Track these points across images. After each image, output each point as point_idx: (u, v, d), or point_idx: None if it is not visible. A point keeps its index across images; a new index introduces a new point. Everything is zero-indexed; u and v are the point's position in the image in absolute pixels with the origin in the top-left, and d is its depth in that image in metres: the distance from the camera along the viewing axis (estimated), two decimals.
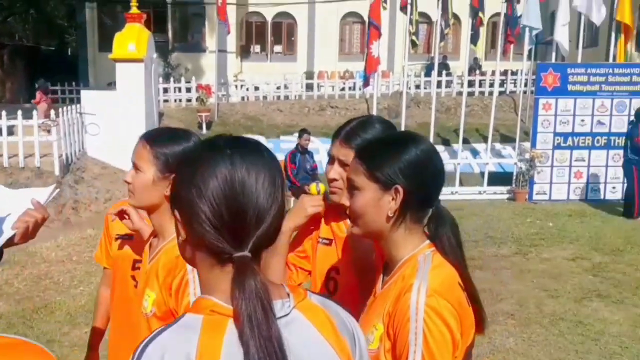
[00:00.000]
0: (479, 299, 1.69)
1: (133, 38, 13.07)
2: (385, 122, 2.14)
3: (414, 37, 13.09)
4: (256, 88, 19.40)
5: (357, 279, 2.05)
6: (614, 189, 12.06)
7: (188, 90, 17.85)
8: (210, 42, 22.43)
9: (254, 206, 1.20)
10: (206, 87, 17.13)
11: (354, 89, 18.67)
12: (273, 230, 1.25)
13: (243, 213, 1.20)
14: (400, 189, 1.61)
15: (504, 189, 12.60)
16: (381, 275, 1.75)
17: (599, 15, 12.70)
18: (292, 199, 10.63)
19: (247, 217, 1.20)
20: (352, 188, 1.69)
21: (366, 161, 1.66)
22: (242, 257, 1.20)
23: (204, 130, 15.15)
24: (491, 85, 15.75)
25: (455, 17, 22.67)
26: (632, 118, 11.34)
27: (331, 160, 2.12)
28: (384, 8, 12.63)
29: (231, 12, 22.32)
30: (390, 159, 1.63)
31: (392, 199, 1.62)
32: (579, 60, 12.96)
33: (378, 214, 1.64)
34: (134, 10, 13.41)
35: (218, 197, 1.19)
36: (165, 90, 17.95)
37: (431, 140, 12.44)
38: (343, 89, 19.06)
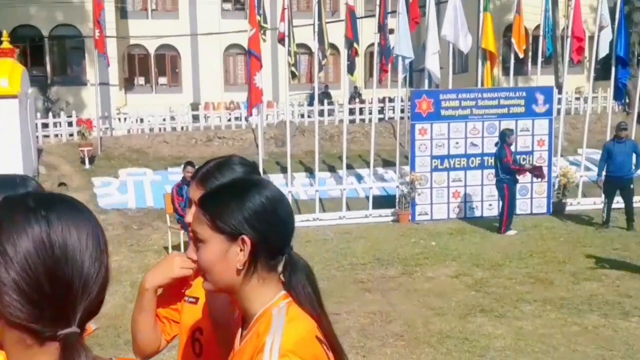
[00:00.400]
0: (341, 348, 1.53)
1: (5, 73, 12.29)
2: (245, 164, 1.97)
3: (293, 68, 13.10)
4: (141, 120, 18.80)
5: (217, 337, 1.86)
6: (490, 206, 12.46)
7: (69, 124, 17.01)
8: (91, 75, 21.58)
9: (80, 274, 1.00)
10: (87, 121, 16.37)
11: (240, 119, 18.46)
12: (100, 299, 1.05)
13: (68, 283, 0.99)
14: (247, 240, 1.45)
15: (388, 211, 12.74)
16: (239, 330, 1.58)
17: (465, 44, 13.16)
18: (182, 232, 10.26)
19: (72, 287, 0.99)
20: (197, 240, 1.52)
21: (209, 211, 1.49)
22: (71, 334, 0.99)
23: (87, 165, 14.46)
24: (371, 112, 15.98)
25: (335, 47, 23.13)
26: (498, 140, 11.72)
27: (189, 202, 1.93)
28: (264, 40, 12.57)
29: (112, 45, 21.66)
30: (233, 208, 1.47)
31: (240, 250, 1.46)
32: (451, 86, 13.36)
33: (227, 267, 1.48)
34: (6, 45, 12.67)
35: (34, 265, 0.98)
36: (45, 126, 17.03)
37: (317, 167, 12.54)
38: (230, 119, 18.81)
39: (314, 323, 1.48)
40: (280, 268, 1.52)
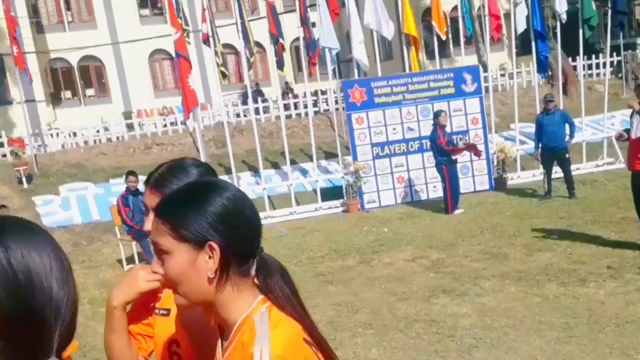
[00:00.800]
0: (329, 347, 1.44)
1: None
2: (201, 165, 1.85)
3: (222, 69, 12.85)
4: (74, 134, 18.14)
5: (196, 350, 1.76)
6: (435, 188, 12.51)
7: (0, 145, 16.30)
8: (16, 93, 20.69)
9: (50, 300, 0.89)
10: (18, 140, 15.70)
11: (176, 124, 18.05)
12: (74, 324, 0.95)
13: (39, 312, 0.88)
14: (215, 245, 1.35)
15: (337, 202, 12.71)
16: (219, 341, 1.46)
17: (388, 30, 13.19)
18: (134, 243, 9.94)
19: (45, 316, 0.88)
20: (160, 253, 1.40)
21: (169, 220, 1.38)
22: None
23: (25, 185, 13.83)
24: (306, 106, 15.90)
25: (260, 45, 22.88)
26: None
27: (147, 210, 1.81)
28: (188, 43, 12.29)
29: (32, 61, 20.85)
30: (195, 214, 1.36)
31: (209, 257, 1.36)
32: (380, 74, 13.37)
33: (198, 278, 1.37)
34: None
35: None
36: None
37: (260, 165, 12.36)
38: (165, 125, 18.35)
39: (299, 325, 1.38)
40: (252, 272, 1.41)
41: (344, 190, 12.62)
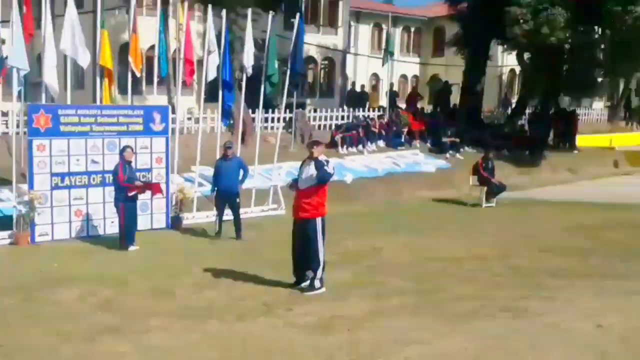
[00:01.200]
0: None
1: None
2: None
3: None
4: None
5: None
6: (113, 223, 12.06)
7: None
8: None
9: None
10: None
11: None
12: None
13: None
14: None
15: (5, 233, 11.54)
16: None
17: (84, 59, 12.71)
18: None
19: None
20: None
21: None
22: None
23: None
24: None
25: None
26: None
27: None
28: None
29: None
30: None
31: None
32: (69, 102, 12.76)
33: None
34: None
35: None
36: None
37: None
38: None
39: None
40: None
41: (15, 221, 11.58)
